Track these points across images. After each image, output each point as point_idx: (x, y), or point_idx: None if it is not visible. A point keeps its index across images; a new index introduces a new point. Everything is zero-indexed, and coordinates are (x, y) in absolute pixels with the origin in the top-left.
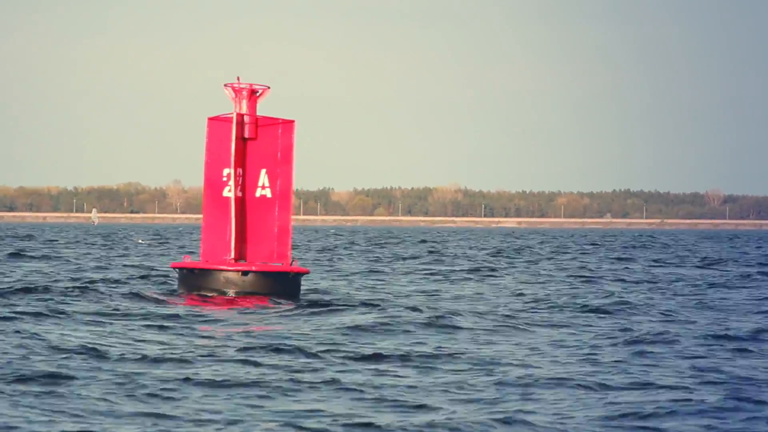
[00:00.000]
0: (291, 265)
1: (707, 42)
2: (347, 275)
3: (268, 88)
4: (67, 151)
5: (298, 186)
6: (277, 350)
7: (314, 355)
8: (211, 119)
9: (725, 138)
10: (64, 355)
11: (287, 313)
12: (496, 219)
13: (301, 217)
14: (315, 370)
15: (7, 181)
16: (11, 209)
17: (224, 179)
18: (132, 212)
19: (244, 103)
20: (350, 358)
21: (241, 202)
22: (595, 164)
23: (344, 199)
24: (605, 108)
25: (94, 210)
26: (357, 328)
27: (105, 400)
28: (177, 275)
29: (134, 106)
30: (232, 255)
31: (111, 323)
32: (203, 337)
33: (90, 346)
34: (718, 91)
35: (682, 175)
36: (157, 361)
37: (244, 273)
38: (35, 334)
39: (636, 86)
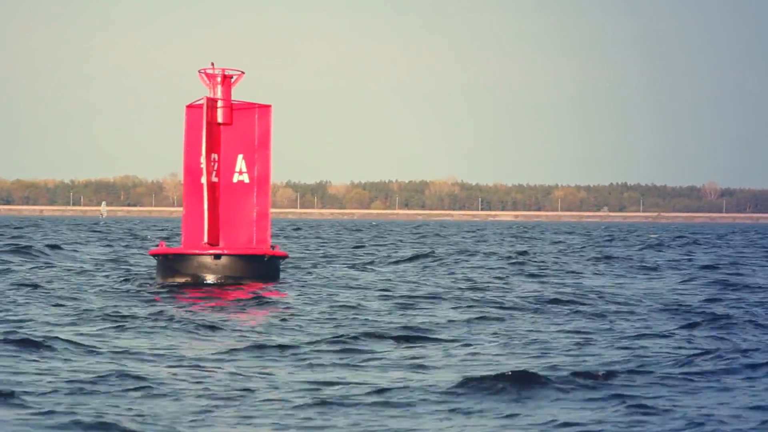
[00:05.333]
0: (272, 249)
1: (705, 35)
2: None
3: (243, 73)
4: (63, 145)
5: (294, 179)
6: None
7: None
8: (188, 106)
9: (722, 131)
10: None
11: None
12: (493, 212)
13: (298, 210)
14: None
15: (4, 174)
16: (8, 202)
17: (202, 166)
18: (129, 205)
19: (219, 89)
20: None
21: (217, 188)
22: (592, 158)
23: (341, 192)
24: (602, 101)
25: (103, 203)
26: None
27: None
28: (155, 262)
29: (131, 99)
30: (206, 239)
31: None
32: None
33: None
34: (715, 84)
35: (679, 169)
36: None
37: (217, 257)
38: None
39: (633, 79)
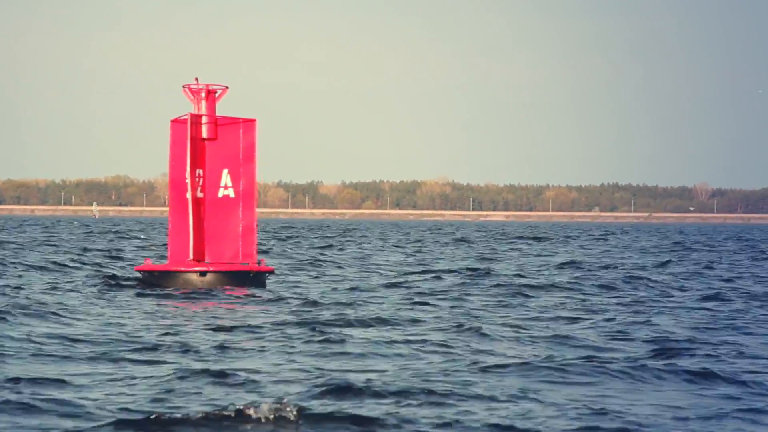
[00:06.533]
0: (258, 264)
1: (698, 37)
2: None
3: (227, 88)
4: (55, 144)
5: (286, 179)
6: None
7: None
8: (173, 121)
9: (714, 132)
10: None
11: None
12: (484, 212)
13: (289, 210)
14: None
15: None
16: None
17: (187, 181)
18: (120, 205)
19: (203, 104)
20: None
21: (203, 203)
22: (584, 158)
23: (332, 192)
24: (594, 102)
25: (94, 203)
26: None
27: None
28: (140, 278)
29: (122, 99)
30: (191, 256)
31: None
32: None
33: None
34: (707, 85)
35: (670, 169)
36: None
37: (202, 274)
38: None
39: (625, 81)
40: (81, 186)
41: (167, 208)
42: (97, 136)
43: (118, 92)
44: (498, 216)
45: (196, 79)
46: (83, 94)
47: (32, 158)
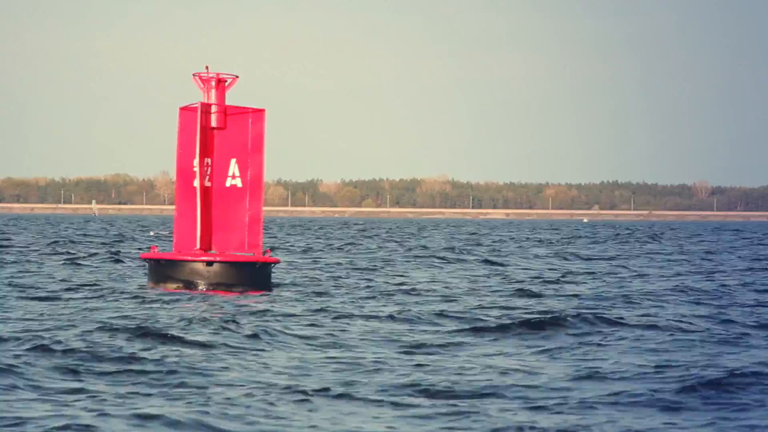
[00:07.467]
0: (263, 254)
1: (697, 36)
2: None
3: (237, 77)
4: (54, 142)
5: (286, 177)
6: None
7: None
8: (182, 109)
9: (713, 130)
10: None
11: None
12: (484, 210)
13: (289, 208)
14: None
15: None
16: None
17: (195, 169)
18: (120, 203)
19: (213, 93)
20: None
21: (210, 192)
22: (584, 156)
23: (332, 190)
24: (594, 100)
25: (93, 201)
26: None
27: None
28: (146, 266)
29: (122, 97)
30: (198, 245)
31: None
32: None
33: None
34: (707, 83)
35: (670, 167)
36: None
37: (209, 263)
38: None
39: (625, 78)
40: (81, 184)
41: (167, 207)
42: (96, 135)
43: (118, 90)
44: (498, 214)
45: (207, 67)
46: (83, 93)
47: (32, 156)
